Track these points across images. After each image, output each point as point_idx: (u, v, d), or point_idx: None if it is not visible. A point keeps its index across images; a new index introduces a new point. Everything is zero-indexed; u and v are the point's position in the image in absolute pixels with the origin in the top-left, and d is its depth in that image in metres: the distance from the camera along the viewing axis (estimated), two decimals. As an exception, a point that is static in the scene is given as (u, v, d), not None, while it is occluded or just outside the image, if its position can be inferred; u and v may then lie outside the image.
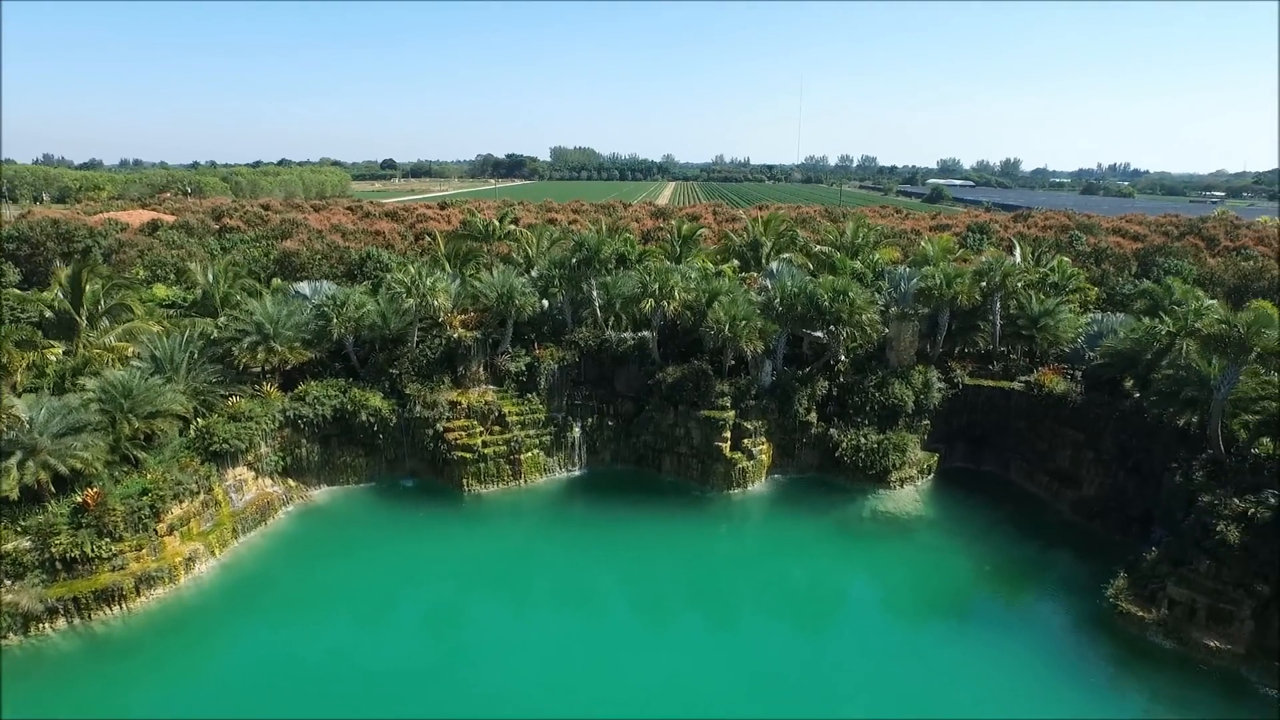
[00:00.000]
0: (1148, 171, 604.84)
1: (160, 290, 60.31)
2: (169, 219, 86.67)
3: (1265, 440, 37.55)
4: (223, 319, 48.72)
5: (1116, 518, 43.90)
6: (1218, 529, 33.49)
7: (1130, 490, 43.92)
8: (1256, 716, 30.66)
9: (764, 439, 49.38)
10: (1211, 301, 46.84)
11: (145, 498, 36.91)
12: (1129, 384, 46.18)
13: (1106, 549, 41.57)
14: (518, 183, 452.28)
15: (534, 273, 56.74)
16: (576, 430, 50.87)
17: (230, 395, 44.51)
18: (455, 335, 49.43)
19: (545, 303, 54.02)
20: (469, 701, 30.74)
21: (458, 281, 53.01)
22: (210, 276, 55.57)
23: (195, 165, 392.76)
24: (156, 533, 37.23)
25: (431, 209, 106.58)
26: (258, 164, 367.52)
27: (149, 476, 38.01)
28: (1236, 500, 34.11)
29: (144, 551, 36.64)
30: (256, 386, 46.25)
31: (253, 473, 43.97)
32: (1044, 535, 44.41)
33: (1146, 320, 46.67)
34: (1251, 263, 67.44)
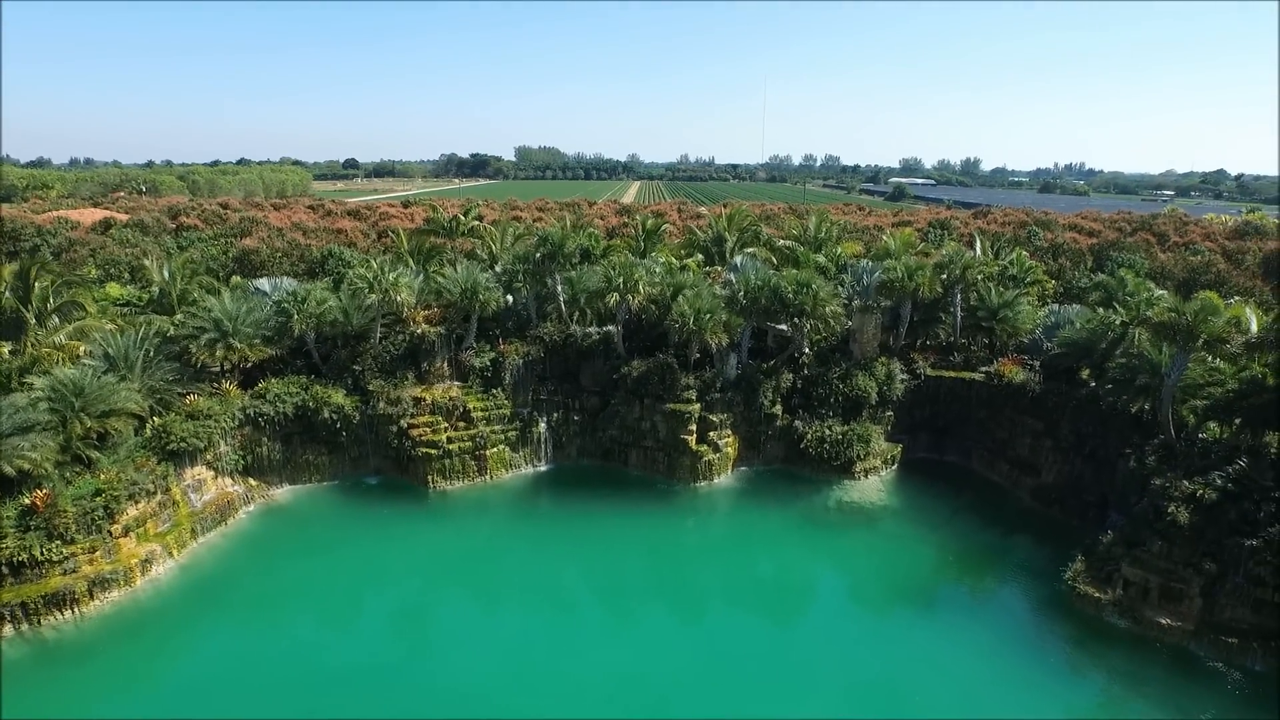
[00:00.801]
0: (1102, 171, 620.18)
1: (114, 289, 58.76)
2: (122, 218, 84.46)
3: (1212, 424, 38.91)
4: (180, 316, 47.60)
5: (1074, 503, 44.92)
6: (1168, 511, 34.46)
7: (1087, 476, 44.94)
8: (1204, 689, 31.56)
9: (730, 432, 49.62)
10: (1162, 293, 48.25)
11: (98, 498, 35.88)
12: (1085, 373, 47.30)
13: (1065, 534, 42.56)
14: (482, 182, 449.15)
15: (498, 268, 56.33)
16: (542, 425, 50.66)
17: (188, 393, 43.51)
18: (419, 331, 48.83)
19: (509, 298, 53.68)
20: (437, 699, 30.41)
21: (421, 277, 52.42)
22: (166, 274, 54.22)
23: (150, 164, 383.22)
24: (111, 534, 36.23)
25: (395, 207, 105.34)
26: (216, 163, 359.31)
27: (102, 477, 36.92)
28: (1186, 483, 35.10)
29: (97, 554, 35.60)
30: (215, 384, 45.30)
31: (212, 472, 43.05)
32: (1005, 522, 45.28)
33: (1101, 311, 47.96)
34: (1199, 257, 69.95)
